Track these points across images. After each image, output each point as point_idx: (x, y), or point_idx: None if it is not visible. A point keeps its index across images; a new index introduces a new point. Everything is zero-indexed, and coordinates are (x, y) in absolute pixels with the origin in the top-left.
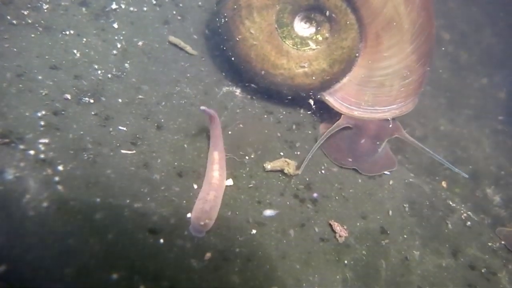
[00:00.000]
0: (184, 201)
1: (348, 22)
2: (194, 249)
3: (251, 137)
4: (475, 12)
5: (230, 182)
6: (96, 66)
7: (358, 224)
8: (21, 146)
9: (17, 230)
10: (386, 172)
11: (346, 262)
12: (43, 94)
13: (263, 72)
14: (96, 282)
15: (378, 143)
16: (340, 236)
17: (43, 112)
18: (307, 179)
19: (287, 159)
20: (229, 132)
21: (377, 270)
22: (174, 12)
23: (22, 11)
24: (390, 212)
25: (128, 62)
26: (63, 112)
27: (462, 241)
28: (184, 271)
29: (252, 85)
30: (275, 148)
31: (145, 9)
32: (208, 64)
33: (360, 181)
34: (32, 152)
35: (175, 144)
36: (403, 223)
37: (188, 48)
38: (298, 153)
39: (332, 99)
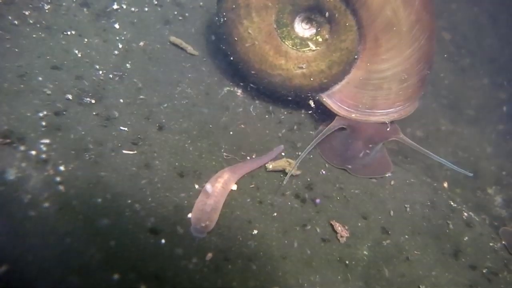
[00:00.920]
0: (185, 202)
1: (347, 24)
2: (195, 249)
3: (252, 138)
4: (477, 13)
5: (234, 186)
6: (97, 67)
7: (359, 224)
8: (22, 147)
9: (18, 230)
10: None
11: (347, 262)
12: (45, 94)
13: (261, 73)
14: (97, 283)
15: (371, 146)
16: (341, 236)
17: (45, 113)
18: (309, 179)
19: (289, 159)
20: (231, 133)
21: (378, 270)
22: (176, 13)
23: (24, 12)
24: (391, 212)
25: (129, 62)
26: (64, 113)
27: (463, 241)
28: (185, 271)
29: (251, 85)
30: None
31: (146, 9)
32: (209, 65)
33: (361, 181)
34: (33, 152)
35: (176, 145)
36: (404, 223)
37: (190, 49)
38: (300, 153)
39: (330, 101)
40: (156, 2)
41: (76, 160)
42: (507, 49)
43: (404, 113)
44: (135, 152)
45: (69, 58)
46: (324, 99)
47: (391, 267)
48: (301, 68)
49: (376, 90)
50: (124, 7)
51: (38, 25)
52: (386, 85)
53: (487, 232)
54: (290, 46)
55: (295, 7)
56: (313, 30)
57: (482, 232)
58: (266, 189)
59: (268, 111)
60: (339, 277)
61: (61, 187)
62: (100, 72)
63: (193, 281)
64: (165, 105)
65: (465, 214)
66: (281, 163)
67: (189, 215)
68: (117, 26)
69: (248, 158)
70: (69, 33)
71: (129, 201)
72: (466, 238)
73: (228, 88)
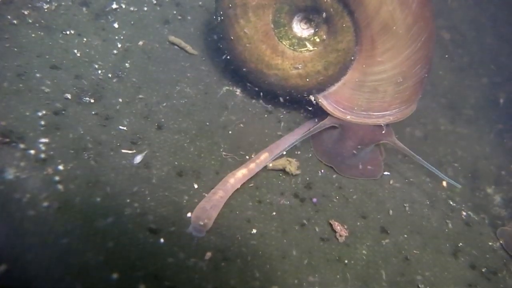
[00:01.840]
0: (184, 201)
1: (344, 25)
2: (195, 249)
3: (252, 137)
4: (476, 12)
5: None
6: (96, 66)
7: (358, 223)
8: (22, 146)
9: (17, 230)
10: (385, 172)
11: (346, 261)
12: (44, 93)
13: (257, 72)
14: (96, 282)
15: (359, 147)
16: (340, 235)
17: (44, 112)
18: (308, 178)
19: (288, 158)
20: (230, 132)
21: (378, 269)
22: (175, 12)
23: (23, 11)
24: (391, 212)
25: (129, 61)
26: (63, 112)
27: (462, 240)
28: (184, 270)
29: (248, 84)
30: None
31: (145, 9)
32: (208, 64)
33: (360, 180)
34: (32, 151)
35: (175, 144)
36: (404, 223)
37: (189, 48)
38: (299, 152)
39: (325, 102)
40: (155, 2)
41: (75, 160)
42: (506, 48)
43: (401, 116)
44: (134, 151)
45: (68, 58)
46: (319, 100)
47: (390, 267)
48: (297, 68)
49: (371, 93)
50: (123, 6)
51: (37, 25)
52: (382, 87)
53: (486, 232)
54: (287, 46)
55: (292, 7)
56: (311, 30)
57: (482, 232)
58: (265, 188)
59: (267, 111)
60: (338, 276)
61: (60, 187)
62: (99, 71)
63: (192, 280)
64: (164, 104)
65: (464, 213)
66: (281, 162)
67: (189, 214)
68: (116, 25)
69: (248, 157)
70: (68, 32)
71: (128, 200)
72: (465, 237)
73: (227, 87)
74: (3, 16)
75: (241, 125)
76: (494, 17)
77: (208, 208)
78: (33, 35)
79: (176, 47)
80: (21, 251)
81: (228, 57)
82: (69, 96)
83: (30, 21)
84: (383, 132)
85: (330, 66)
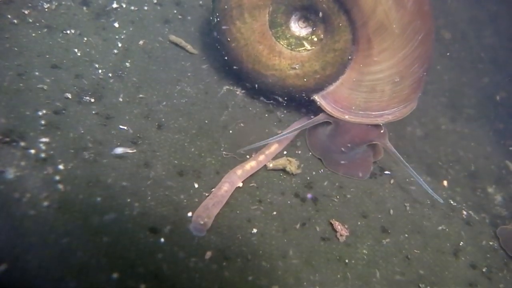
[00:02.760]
0: (185, 200)
1: (340, 24)
2: (195, 248)
3: (252, 136)
4: (476, 11)
5: (240, 184)
6: (96, 65)
7: (359, 223)
8: (22, 145)
9: (18, 229)
10: (386, 172)
11: (347, 261)
12: (44, 93)
13: (254, 73)
14: (96, 281)
15: (349, 145)
16: (341, 235)
17: (44, 111)
18: (308, 178)
19: (289, 158)
20: (230, 131)
21: (378, 269)
22: (175, 11)
23: (23, 11)
24: (391, 211)
25: (129, 61)
26: (63, 111)
27: (463, 240)
28: (184, 270)
29: (246, 84)
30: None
31: (145, 8)
32: (208, 63)
33: (361, 180)
34: (32, 151)
35: (175, 143)
36: (404, 222)
37: (189, 47)
38: (299, 152)
39: (324, 102)
40: (155, 1)
41: (75, 159)
42: (507, 48)
43: (399, 115)
44: (135, 151)
45: (68, 57)
46: (318, 100)
47: (391, 266)
48: (295, 68)
49: (369, 92)
50: (124, 6)
51: (38, 24)
52: (379, 87)
53: (487, 231)
54: (285, 46)
55: (288, 7)
56: (309, 29)
57: (482, 231)
58: (266, 188)
59: (267, 110)
60: (338, 276)
61: (61, 186)
62: (100, 71)
63: (192, 280)
64: (165, 104)
65: (465, 213)
66: (282, 162)
67: (189, 214)
68: (116, 25)
69: (248, 157)
70: (68, 32)
71: (129, 200)
72: (466, 237)
73: (227, 87)
74: (3, 16)
75: (242, 124)
76: (494, 15)
77: (210, 206)
78: (33, 34)
79: (176, 46)
80: (21, 251)
81: (226, 58)
82: (69, 95)
83: (31, 20)
84: (376, 133)
85: (328, 65)
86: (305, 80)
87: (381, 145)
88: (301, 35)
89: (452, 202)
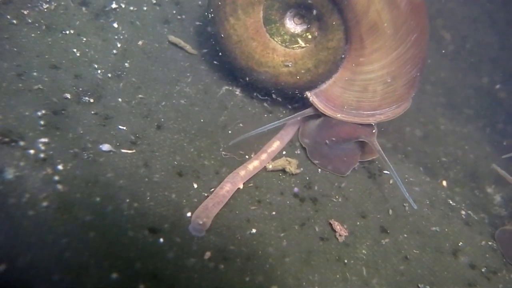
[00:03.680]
0: (184, 200)
1: (334, 23)
2: (194, 248)
3: (251, 137)
4: (476, 12)
5: (241, 185)
6: (96, 66)
7: (358, 223)
8: (21, 145)
9: (17, 230)
10: (385, 172)
11: (346, 261)
12: (43, 93)
13: (248, 69)
14: (95, 282)
15: (333, 139)
16: (340, 235)
17: (43, 112)
18: (307, 178)
19: (288, 158)
20: (229, 132)
21: (377, 269)
22: (174, 12)
23: (22, 11)
24: (390, 211)
25: (128, 61)
26: (63, 112)
27: (462, 240)
28: (183, 270)
29: (241, 80)
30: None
31: (145, 8)
32: (208, 64)
33: (360, 180)
34: (32, 151)
35: (175, 144)
36: (403, 222)
37: (188, 48)
38: (298, 152)
39: (316, 100)
40: (154, 1)
41: (74, 159)
42: (507, 48)
43: (391, 115)
44: (134, 151)
45: (67, 57)
46: (310, 98)
47: (390, 266)
48: (287, 66)
49: (361, 92)
50: (123, 6)
51: (37, 24)
52: (371, 87)
53: (486, 231)
54: (279, 43)
55: (283, 4)
56: (305, 26)
57: (481, 231)
58: (265, 188)
59: (267, 110)
60: (337, 276)
61: (60, 186)
62: (99, 71)
63: (191, 280)
64: (164, 104)
65: (464, 213)
66: (281, 162)
67: (188, 214)
68: (115, 25)
69: (247, 157)
70: (67, 32)
71: (128, 200)
72: (465, 237)
73: (226, 87)
74: (2, 16)
75: (241, 124)
76: (494, 16)
77: (210, 206)
78: (32, 35)
79: (175, 46)
80: (21, 251)
81: (220, 54)
82: (68, 96)
83: (30, 21)
84: (364, 131)
85: (321, 64)
86: (297, 77)
87: (368, 142)
88: (296, 32)
89: (451, 202)
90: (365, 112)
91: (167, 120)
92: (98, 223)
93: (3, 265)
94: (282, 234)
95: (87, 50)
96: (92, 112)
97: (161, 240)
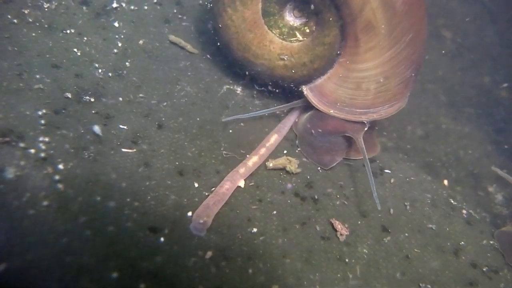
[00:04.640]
0: (185, 200)
1: (331, 19)
2: (195, 248)
3: (252, 136)
4: (476, 10)
5: (242, 183)
6: (96, 65)
7: (359, 222)
8: (22, 145)
9: (17, 229)
10: (386, 171)
11: (347, 260)
12: (44, 93)
13: (244, 61)
14: (96, 281)
15: (320, 130)
16: (341, 234)
17: (44, 111)
18: (308, 177)
19: (289, 157)
20: (230, 131)
21: (378, 268)
22: (175, 11)
23: (23, 10)
24: (391, 210)
25: (129, 60)
26: (63, 111)
27: (463, 239)
28: (184, 269)
29: (237, 69)
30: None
31: (145, 7)
32: (208, 63)
33: (361, 179)
34: (32, 150)
35: (175, 143)
36: (404, 221)
37: (189, 47)
38: (299, 150)
39: (311, 94)
40: (155, 1)
41: (75, 159)
42: (508, 47)
43: (384, 114)
44: (135, 150)
45: (68, 57)
46: (305, 92)
47: (391, 265)
48: (283, 59)
49: (354, 89)
50: (124, 5)
51: (38, 24)
52: (364, 85)
53: (488, 230)
54: (277, 35)
55: None
56: (304, 19)
57: (483, 230)
58: (266, 187)
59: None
60: (338, 275)
61: (60, 186)
62: (100, 70)
63: (192, 279)
64: (165, 103)
65: (465, 212)
66: (282, 161)
67: (189, 214)
68: (116, 24)
69: (248, 156)
70: (68, 31)
71: (128, 199)
72: (466, 236)
73: (227, 86)
74: (3, 15)
75: (242, 124)
76: (495, 15)
77: (211, 204)
78: (33, 34)
79: (176, 46)
80: (21, 250)
81: (218, 44)
82: (69, 95)
83: (31, 20)
84: (352, 126)
85: (316, 59)
86: (293, 71)
87: (354, 138)
88: (295, 25)
89: (452, 201)
90: (357, 110)
91: (167, 120)
92: (98, 222)
93: (4, 264)
94: (283, 233)
95: (87, 49)
96: (93, 112)
97: (162, 239)
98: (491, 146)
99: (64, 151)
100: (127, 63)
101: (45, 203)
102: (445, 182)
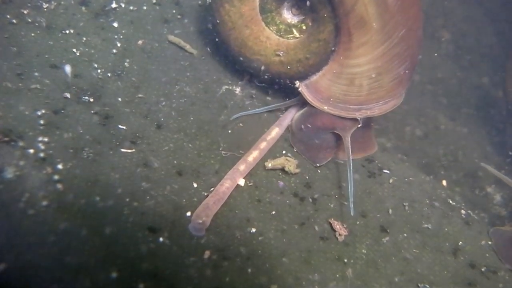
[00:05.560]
0: (184, 200)
1: (325, 15)
2: (194, 248)
3: (251, 136)
4: (475, 11)
5: (242, 182)
6: (96, 65)
7: (358, 222)
8: (21, 145)
9: (17, 229)
10: (385, 171)
11: (345, 260)
12: (43, 93)
13: (241, 56)
14: (95, 281)
15: (309, 126)
16: (340, 234)
17: (43, 111)
18: (307, 177)
19: (287, 157)
20: (229, 131)
21: (377, 268)
22: (174, 11)
23: (22, 10)
24: (390, 211)
25: (128, 61)
26: (62, 111)
27: (462, 239)
28: (183, 269)
29: (236, 66)
30: (275, 146)
31: (144, 8)
32: (207, 63)
33: (360, 179)
34: (31, 150)
35: (174, 143)
36: (403, 222)
37: (188, 47)
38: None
39: (306, 91)
40: (154, 1)
41: (74, 159)
42: (507, 47)
43: (378, 111)
44: (134, 150)
45: (67, 57)
46: (300, 88)
47: (390, 266)
48: (279, 55)
49: (348, 85)
50: (123, 5)
51: (37, 24)
52: (357, 81)
53: (486, 231)
54: (274, 32)
55: None
56: (301, 17)
57: (481, 231)
58: (265, 187)
59: (267, 110)
60: (337, 275)
61: (60, 186)
62: (99, 70)
63: (191, 279)
64: (164, 103)
65: (464, 212)
66: (281, 161)
67: (188, 214)
68: (115, 24)
69: (248, 151)
70: (67, 31)
71: (128, 199)
72: (465, 236)
73: (226, 86)
74: (2, 16)
75: (241, 124)
76: (494, 15)
77: (211, 204)
78: (32, 34)
79: (175, 46)
80: (21, 250)
81: (217, 40)
82: (68, 95)
83: (30, 20)
84: (342, 124)
85: (311, 55)
86: (288, 67)
87: (342, 136)
88: (292, 22)
89: (451, 202)
90: (351, 106)
91: (167, 120)
92: (97, 222)
93: (3, 264)
94: (282, 234)
95: (87, 49)
96: (92, 112)
97: (161, 239)
98: (489, 147)
99: (63, 151)
100: (126, 64)
101: (44, 203)
102: (444, 182)
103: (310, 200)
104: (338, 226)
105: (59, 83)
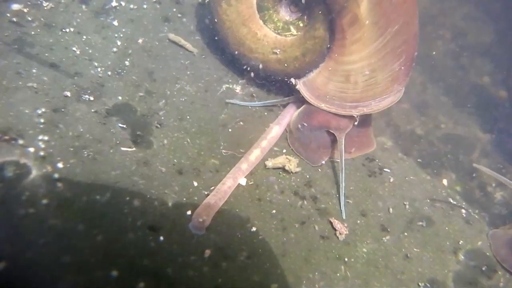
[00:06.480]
0: (184, 199)
1: (320, 12)
2: (194, 246)
3: (252, 135)
4: (476, 10)
5: (243, 181)
6: (96, 64)
7: (358, 221)
8: (21, 143)
9: (17, 227)
10: (386, 170)
11: (346, 259)
12: (43, 91)
13: (239, 55)
14: (96, 279)
15: (305, 124)
16: (340, 233)
17: (43, 110)
18: (308, 176)
19: (288, 156)
20: (230, 130)
21: (377, 267)
22: (174, 10)
23: (22, 9)
24: (391, 210)
25: (128, 59)
26: (63, 110)
27: (462, 238)
28: (184, 268)
29: (236, 65)
30: (275, 145)
31: (145, 6)
32: (208, 62)
33: (360, 178)
34: (31, 149)
35: (175, 142)
36: (404, 221)
37: (188, 46)
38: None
39: (303, 88)
40: (154, 0)
41: (74, 157)
42: (508, 47)
43: (375, 108)
44: (134, 149)
45: (67, 55)
46: (298, 86)
47: (390, 265)
48: (276, 53)
49: (343, 82)
50: (123, 4)
51: (37, 22)
52: (352, 78)
53: (487, 230)
54: (271, 30)
55: None
56: (299, 14)
57: (482, 230)
58: (265, 186)
59: (267, 108)
60: (338, 274)
61: (60, 184)
62: (99, 69)
63: (192, 278)
64: (164, 102)
65: (465, 211)
66: (281, 160)
67: (189, 212)
68: (116, 23)
69: (249, 150)
70: (67, 30)
71: (128, 198)
72: (466, 235)
73: (227, 85)
74: (2, 14)
75: (241, 123)
76: (495, 14)
77: (212, 203)
78: (32, 32)
79: (176, 45)
80: (21, 249)
81: (216, 38)
82: (68, 94)
83: (30, 18)
84: (338, 123)
85: (308, 53)
86: (285, 65)
87: (336, 136)
88: (290, 20)
89: (451, 201)
90: (348, 104)
91: (167, 118)
92: (98, 221)
93: (3, 263)
94: (282, 233)
95: (87, 48)
96: (92, 110)
97: (161, 238)
98: (490, 145)
99: (63, 149)
100: (126, 62)
101: (44, 201)
102: (445, 181)
103: (311, 199)
104: (338, 225)
105: (59, 81)
